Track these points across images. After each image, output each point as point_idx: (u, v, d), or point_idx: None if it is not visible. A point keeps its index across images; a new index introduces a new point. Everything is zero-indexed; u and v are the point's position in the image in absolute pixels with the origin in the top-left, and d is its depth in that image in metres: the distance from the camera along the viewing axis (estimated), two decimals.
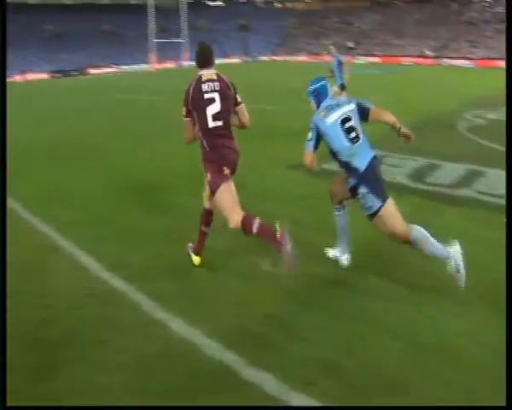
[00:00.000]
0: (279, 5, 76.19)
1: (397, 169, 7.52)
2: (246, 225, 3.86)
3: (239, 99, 4.19)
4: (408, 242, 3.87)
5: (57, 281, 4.34)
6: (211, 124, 3.97)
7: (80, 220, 5.82)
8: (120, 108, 17.32)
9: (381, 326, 3.46)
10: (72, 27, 58.95)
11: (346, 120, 4.01)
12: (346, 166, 4.01)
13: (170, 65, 53.15)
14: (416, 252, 3.96)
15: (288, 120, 11.90)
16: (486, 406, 2.76)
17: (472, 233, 4.94)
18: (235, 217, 3.91)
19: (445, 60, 42.82)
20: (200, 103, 3.97)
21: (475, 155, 8.47)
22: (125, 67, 50.40)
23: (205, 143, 4.03)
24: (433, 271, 4.05)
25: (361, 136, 4.03)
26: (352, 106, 4.13)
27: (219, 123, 3.99)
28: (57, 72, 49.29)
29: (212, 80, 4.04)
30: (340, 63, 11.58)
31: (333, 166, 7.48)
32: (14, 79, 46.55)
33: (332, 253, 4.56)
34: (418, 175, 7.23)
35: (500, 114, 11.96)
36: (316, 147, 4.15)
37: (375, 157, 4.03)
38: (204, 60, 4.16)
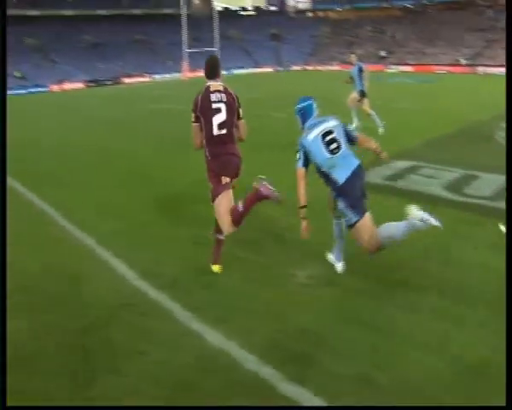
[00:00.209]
0: (311, 14, 76.22)
1: (433, 180, 7.38)
2: (235, 217, 4.18)
3: (241, 114, 4.50)
4: (380, 248, 4.09)
5: (94, 289, 4.40)
6: (215, 132, 4.28)
7: (116, 229, 5.90)
8: (153, 117, 17.56)
9: (416, 341, 3.40)
10: (106, 37, 60.31)
11: (327, 133, 4.21)
12: (327, 177, 4.20)
13: (202, 74, 53.67)
14: (455, 267, 3.87)
15: None
16: (486, 406, 2.80)
17: None
18: (229, 227, 4.24)
19: (479, 68, 41.95)
20: (208, 112, 4.29)
21: None
22: (157, 76, 51.22)
23: (207, 153, 4.35)
24: (470, 284, 3.95)
25: (342, 147, 4.19)
26: (335, 122, 4.36)
27: (223, 131, 4.29)
28: (92, 81, 50.41)
29: (219, 91, 4.36)
30: (360, 70, 11.79)
31: (371, 177, 7.50)
32: (52, 88, 47.87)
33: (329, 257, 4.62)
34: (455, 186, 7.07)
35: None
36: (305, 164, 4.31)
37: (359, 166, 4.17)
38: (212, 72, 4.49)
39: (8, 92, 46.16)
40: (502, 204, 6.26)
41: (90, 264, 4.96)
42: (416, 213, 3.90)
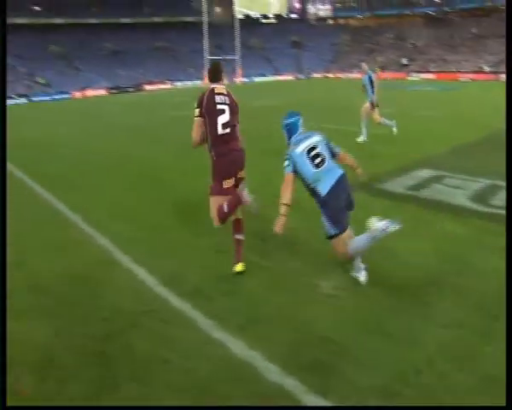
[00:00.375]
0: (332, 22, 76.21)
1: (457, 190, 7.24)
2: (220, 215, 4.61)
3: (238, 119, 4.83)
4: (350, 259, 4.36)
5: (114, 294, 4.40)
6: (220, 131, 4.61)
7: (136, 234, 5.92)
8: (174, 124, 17.64)
9: (443, 353, 3.32)
10: (128, 45, 61.09)
11: (311, 149, 4.40)
12: (313, 191, 4.37)
13: (223, 81, 54.10)
14: (481, 278, 3.78)
15: (341, 139, 11.76)
16: (486, 406, 2.79)
17: None
18: (216, 222, 4.69)
19: (503, 75, 41.35)
20: (213, 112, 4.61)
21: None
22: (179, 83, 51.69)
23: (212, 152, 4.65)
24: (497, 296, 3.85)
25: (327, 160, 4.39)
26: (318, 138, 4.56)
27: (227, 130, 4.63)
28: (114, 88, 51.06)
29: (223, 94, 4.71)
30: (371, 80, 11.53)
31: (392, 187, 7.43)
32: (74, 95, 48.63)
33: (353, 274, 4.47)
34: (481, 197, 6.93)
35: None
36: (294, 171, 4.44)
37: (342, 176, 4.34)
38: (215, 76, 4.88)
39: (33, 98, 47.14)
40: None
41: (110, 268, 4.98)
42: (376, 225, 4.08)
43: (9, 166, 11.07)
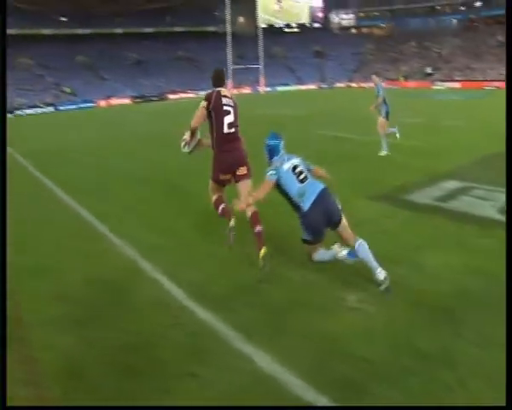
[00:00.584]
0: (355, 31, 76.01)
1: (485, 202, 7.10)
2: (215, 206, 5.49)
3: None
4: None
5: (140, 305, 4.41)
6: (226, 130, 5.20)
7: (162, 245, 5.93)
8: (201, 133, 17.75)
9: (476, 373, 3.22)
10: (151, 54, 61.89)
11: (295, 167, 4.82)
12: (296, 205, 4.71)
13: (246, 91, 54.31)
14: None
15: (364, 148, 11.68)
16: (486, 406, 2.81)
17: None
18: (213, 197, 5.49)
19: None
20: (220, 111, 5.18)
21: None
22: (202, 92, 52.05)
23: (216, 149, 5.28)
24: None
25: (309, 176, 4.81)
26: (298, 159, 4.97)
27: (232, 130, 5.24)
28: (138, 97, 51.74)
29: (227, 97, 5.30)
30: (383, 94, 11.29)
31: (419, 198, 7.32)
32: (99, 104, 49.42)
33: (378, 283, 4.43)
34: None
35: None
36: (277, 182, 4.81)
37: (323, 190, 4.68)
38: (219, 81, 5.42)
39: (60, 107, 47.96)
40: None
41: (136, 279, 5.00)
42: (338, 250, 4.61)
43: (37, 173, 11.30)
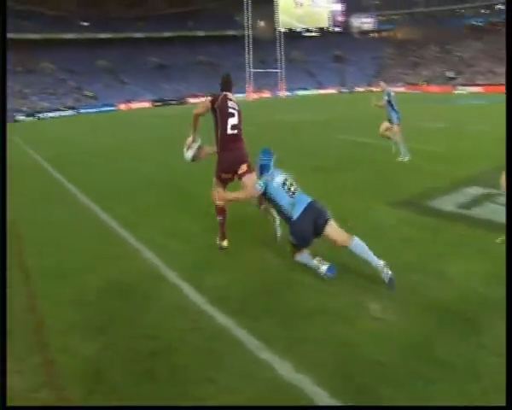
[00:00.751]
0: (375, 35, 75.58)
1: None
2: (216, 211, 5.78)
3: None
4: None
5: (159, 310, 4.39)
6: (229, 131, 5.49)
7: (181, 250, 5.92)
8: None
9: (501, 386, 3.11)
10: (172, 58, 62.33)
11: (285, 181, 5.14)
12: (286, 216, 5.00)
13: (266, 95, 54.38)
14: None
15: (384, 153, 11.55)
16: (486, 406, 2.80)
17: None
18: (215, 192, 5.59)
19: None
20: (224, 112, 5.47)
21: None
22: None
23: (220, 148, 5.57)
24: None
25: (298, 189, 5.12)
26: (285, 174, 5.25)
27: (235, 131, 5.54)
28: (158, 101, 52.16)
29: (233, 101, 5.60)
30: (390, 99, 11.17)
31: (442, 204, 7.19)
32: (119, 107, 49.95)
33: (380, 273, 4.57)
34: None
35: None
36: (263, 193, 5.17)
37: (310, 203, 4.92)
38: (227, 86, 5.68)
39: (81, 111, 48.66)
40: None
41: (155, 283, 4.99)
42: (318, 270, 4.77)
43: (58, 176, 11.44)
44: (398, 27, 72.04)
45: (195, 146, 5.87)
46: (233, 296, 4.56)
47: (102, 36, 62.57)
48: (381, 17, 73.62)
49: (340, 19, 73.89)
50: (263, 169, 5.32)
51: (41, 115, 46.36)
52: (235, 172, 5.58)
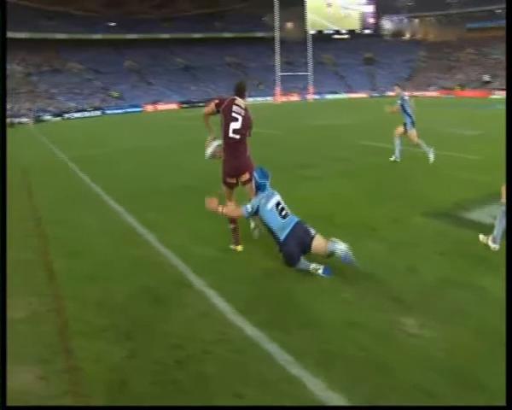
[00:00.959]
0: (407, 37, 74.45)
1: None
2: (228, 219, 5.83)
3: (250, 132, 5.77)
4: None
5: (187, 319, 4.28)
6: (230, 134, 5.54)
7: (211, 258, 5.76)
8: (254, 144, 17.69)
9: None
10: (199, 60, 62.49)
11: (278, 204, 5.40)
12: (275, 236, 5.29)
13: (294, 98, 54.07)
14: None
15: (417, 161, 11.23)
16: (486, 406, 2.80)
17: None
18: (228, 203, 5.89)
19: None
20: (227, 116, 5.53)
21: None
22: (249, 99, 52.13)
23: (223, 154, 5.71)
24: None
25: (289, 212, 5.42)
26: (279, 195, 5.51)
27: (236, 136, 5.55)
28: (185, 102, 52.30)
29: (240, 107, 5.60)
30: (402, 103, 11.07)
31: (479, 216, 6.87)
32: (146, 108, 50.33)
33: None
34: None
35: None
36: (250, 216, 5.58)
37: (297, 223, 5.29)
38: (238, 91, 5.72)
39: (107, 111, 49.37)
40: None
41: (183, 290, 4.88)
42: (316, 272, 5.00)
43: (85, 177, 11.51)
44: (432, 29, 70.81)
45: (215, 144, 5.87)
46: (263, 308, 4.41)
47: (129, 36, 63.18)
48: (414, 19, 72.49)
49: (371, 20, 72.90)
50: (259, 188, 5.55)
51: (67, 115, 47.12)
52: (238, 179, 5.76)
